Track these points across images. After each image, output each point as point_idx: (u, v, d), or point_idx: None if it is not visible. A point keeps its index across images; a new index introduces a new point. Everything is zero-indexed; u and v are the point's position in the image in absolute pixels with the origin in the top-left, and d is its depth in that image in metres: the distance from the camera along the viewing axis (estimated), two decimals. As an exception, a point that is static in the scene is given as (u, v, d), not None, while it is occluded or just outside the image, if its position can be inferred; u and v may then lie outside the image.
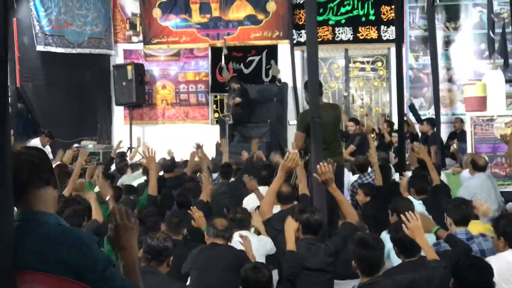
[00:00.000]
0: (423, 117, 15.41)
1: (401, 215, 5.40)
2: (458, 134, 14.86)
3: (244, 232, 7.23)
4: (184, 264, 6.47)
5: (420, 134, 14.81)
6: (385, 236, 6.23)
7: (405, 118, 12.79)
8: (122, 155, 15.15)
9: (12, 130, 11.69)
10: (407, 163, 11.69)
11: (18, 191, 3.03)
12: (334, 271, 6.13)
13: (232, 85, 16.31)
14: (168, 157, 13.15)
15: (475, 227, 6.98)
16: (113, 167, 13.58)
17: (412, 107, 15.72)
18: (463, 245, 6.01)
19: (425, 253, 5.20)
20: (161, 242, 5.36)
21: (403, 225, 5.32)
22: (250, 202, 9.33)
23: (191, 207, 7.56)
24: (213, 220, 6.74)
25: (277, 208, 7.78)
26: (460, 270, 4.71)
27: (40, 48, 17.34)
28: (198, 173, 12.11)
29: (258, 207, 8.47)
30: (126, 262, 3.13)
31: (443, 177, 10.91)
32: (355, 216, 6.34)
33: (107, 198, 9.06)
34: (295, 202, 7.76)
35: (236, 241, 6.83)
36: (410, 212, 5.41)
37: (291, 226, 5.94)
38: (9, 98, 2.95)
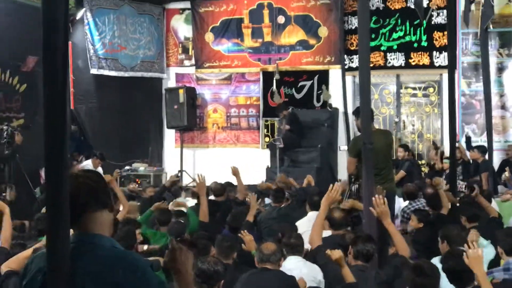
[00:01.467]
0: (474, 144, 15.27)
1: (465, 244, 5.33)
2: (511, 162, 14.69)
3: (296, 258, 7.21)
4: (235, 286, 6.48)
5: (471, 161, 14.67)
6: (436, 263, 6.19)
7: (457, 145, 12.68)
8: (174, 182, 15.24)
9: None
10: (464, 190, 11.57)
11: (75, 214, 3.08)
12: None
13: (282, 113, 16.35)
14: (217, 176, 13.18)
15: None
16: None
17: (468, 140, 15.55)
18: None
19: (481, 284, 5.13)
20: (212, 266, 5.37)
21: (464, 254, 5.26)
22: (301, 227, 9.32)
23: (242, 231, 7.58)
24: (261, 246, 6.74)
25: (328, 233, 7.80)
26: None
27: (94, 71, 17.54)
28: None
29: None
30: (180, 285, 3.16)
31: (493, 204, 10.79)
32: (407, 250, 6.35)
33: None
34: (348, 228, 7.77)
35: (286, 268, 6.81)
36: (473, 242, 5.33)
37: (338, 256, 5.93)
38: (68, 120, 3.00)
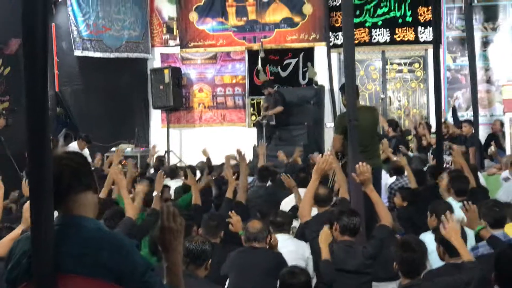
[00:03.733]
0: (461, 119, 15.30)
1: (441, 216, 5.37)
2: (497, 136, 14.72)
3: (283, 236, 7.23)
4: (223, 266, 6.50)
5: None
6: (424, 236, 6.22)
7: (442, 120, 12.68)
8: (161, 159, 15.26)
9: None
10: (450, 166, 11.60)
11: (58, 196, 3.07)
12: (372, 274, 6.14)
13: (268, 90, 16.31)
14: (203, 156, 13.18)
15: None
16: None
17: (454, 110, 15.60)
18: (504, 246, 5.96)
19: (461, 255, 5.17)
20: (199, 245, 5.37)
21: (440, 225, 5.30)
22: (287, 204, 9.33)
23: (230, 211, 7.58)
24: (247, 225, 6.75)
25: (314, 211, 7.80)
26: (503, 261, 4.66)
27: (78, 53, 17.45)
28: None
29: (293, 207, 8.52)
30: (169, 264, 3.15)
31: (481, 179, 10.82)
32: (389, 218, 6.38)
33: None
34: (332, 205, 7.78)
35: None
36: (448, 214, 5.38)
37: (325, 236, 5.97)
38: (48, 103, 2.99)
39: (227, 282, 6.46)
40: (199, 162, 11.97)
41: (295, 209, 8.25)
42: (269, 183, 10.86)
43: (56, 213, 3.10)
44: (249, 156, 15.51)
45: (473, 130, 13.79)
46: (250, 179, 11.65)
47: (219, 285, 5.94)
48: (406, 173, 10.64)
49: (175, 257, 3.16)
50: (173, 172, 12.74)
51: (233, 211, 7.56)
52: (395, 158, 11.89)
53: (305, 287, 5.39)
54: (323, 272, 5.74)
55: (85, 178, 3.19)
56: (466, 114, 15.96)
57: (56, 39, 17.33)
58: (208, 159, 13.29)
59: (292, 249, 7.00)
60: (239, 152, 10.75)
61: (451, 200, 8.09)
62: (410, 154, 13.39)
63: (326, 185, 8.66)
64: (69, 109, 17.70)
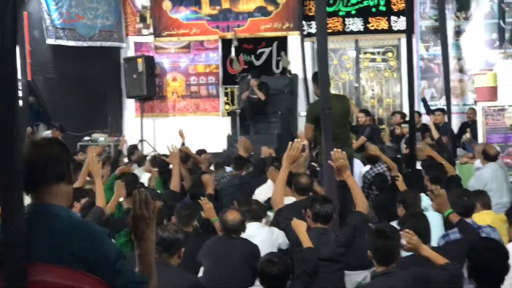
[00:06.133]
0: (433, 108, 15.36)
1: (402, 233, 5.30)
2: (471, 125, 14.79)
3: (256, 224, 7.25)
4: (199, 253, 6.51)
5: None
6: (397, 226, 6.25)
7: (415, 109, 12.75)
8: (135, 147, 15.24)
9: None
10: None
11: (31, 183, 3.06)
12: (345, 261, 6.17)
13: (251, 81, 16.04)
14: (180, 138, 13.15)
15: (486, 216, 7.00)
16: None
17: (424, 101, 15.66)
18: (473, 230, 6.01)
19: (435, 261, 5.15)
20: (172, 234, 5.37)
21: (402, 242, 5.25)
22: (262, 193, 9.36)
23: (201, 198, 7.59)
24: (225, 214, 6.74)
25: (292, 199, 7.85)
26: (475, 252, 4.70)
27: (50, 41, 17.32)
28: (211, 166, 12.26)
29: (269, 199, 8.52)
30: (142, 252, 3.15)
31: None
32: (365, 205, 6.40)
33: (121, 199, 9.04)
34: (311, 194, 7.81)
35: (247, 234, 6.83)
36: (406, 231, 5.30)
37: (301, 225, 5.97)
38: (20, 92, 2.97)
39: (201, 269, 6.47)
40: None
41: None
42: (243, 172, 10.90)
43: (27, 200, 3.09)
44: (222, 146, 15.54)
45: (446, 119, 13.86)
46: (228, 169, 11.70)
47: (192, 273, 5.94)
48: (382, 162, 10.70)
49: (147, 245, 3.17)
50: (141, 160, 12.80)
51: (204, 198, 7.58)
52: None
53: (284, 276, 5.40)
54: (307, 260, 5.71)
55: (61, 168, 3.17)
56: (439, 103, 16.02)
57: (29, 27, 17.17)
58: (184, 145, 13.20)
59: (264, 238, 7.02)
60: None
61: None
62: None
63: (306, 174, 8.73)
64: (42, 98, 17.58)
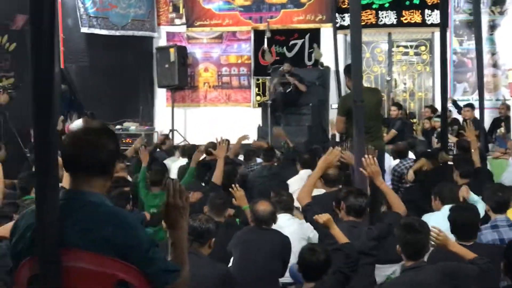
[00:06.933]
0: (464, 103, 15.26)
1: (431, 228, 5.28)
2: (503, 120, 14.69)
3: (286, 215, 7.24)
4: (230, 243, 6.51)
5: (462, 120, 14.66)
6: (428, 218, 6.22)
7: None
8: (166, 136, 15.32)
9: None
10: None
11: (71, 169, 3.09)
12: (377, 256, 6.15)
13: (287, 66, 16.01)
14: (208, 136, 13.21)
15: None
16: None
17: (455, 104, 15.52)
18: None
19: (464, 256, 5.13)
20: (203, 223, 5.38)
21: (431, 238, 5.23)
22: (293, 184, 9.36)
23: (233, 185, 7.59)
24: (255, 204, 6.73)
25: (322, 191, 7.84)
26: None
27: (84, 30, 17.41)
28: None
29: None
30: (175, 240, 3.16)
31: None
32: (402, 207, 6.36)
33: None
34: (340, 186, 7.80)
35: (278, 225, 6.83)
36: (437, 229, 5.28)
37: (328, 220, 5.89)
38: (54, 79, 2.95)
39: (232, 259, 6.48)
40: (209, 142, 11.91)
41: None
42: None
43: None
44: (253, 137, 15.54)
45: (475, 114, 13.78)
46: (258, 160, 11.71)
47: (222, 263, 5.95)
48: (409, 156, 10.67)
49: (180, 234, 3.18)
50: (170, 151, 12.87)
51: (236, 185, 7.58)
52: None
53: (325, 266, 5.37)
54: (349, 253, 5.66)
55: (104, 162, 3.16)
56: (471, 98, 15.92)
57: (62, 15, 17.26)
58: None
59: (294, 229, 7.02)
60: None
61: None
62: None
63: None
64: (74, 86, 17.67)
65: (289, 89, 15.72)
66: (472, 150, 9.67)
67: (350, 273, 5.49)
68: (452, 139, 12.27)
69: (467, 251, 5.14)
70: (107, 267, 2.96)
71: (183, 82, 18.25)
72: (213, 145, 11.04)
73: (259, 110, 17.16)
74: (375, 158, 6.37)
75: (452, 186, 7.49)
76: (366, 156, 6.43)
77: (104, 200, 3.15)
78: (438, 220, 6.39)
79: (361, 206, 6.22)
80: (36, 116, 2.95)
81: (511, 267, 4.63)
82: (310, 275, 5.39)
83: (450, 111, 14.66)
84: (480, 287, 5.02)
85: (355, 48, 7.47)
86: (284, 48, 17.87)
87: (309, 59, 17.69)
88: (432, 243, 5.21)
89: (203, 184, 9.78)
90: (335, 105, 15.09)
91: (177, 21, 18.94)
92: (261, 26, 17.95)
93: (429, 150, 11.74)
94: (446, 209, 6.44)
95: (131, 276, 2.99)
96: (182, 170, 10.79)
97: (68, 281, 2.94)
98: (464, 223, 5.59)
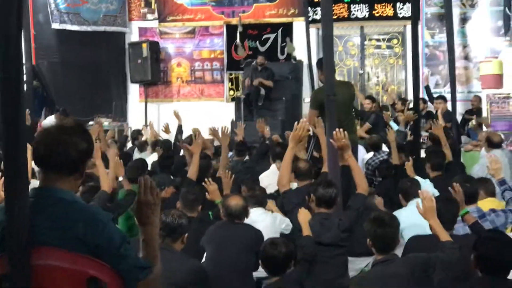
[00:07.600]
0: (436, 95, 15.32)
1: (420, 192, 5.37)
2: (475, 112, 14.77)
3: (259, 210, 7.23)
4: (202, 239, 6.50)
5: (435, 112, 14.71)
6: (398, 214, 6.24)
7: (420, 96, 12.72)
8: (139, 132, 15.25)
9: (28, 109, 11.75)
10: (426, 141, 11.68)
11: (43, 165, 3.07)
12: (348, 247, 6.17)
13: (260, 58, 16.04)
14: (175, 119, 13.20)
15: (490, 204, 6.97)
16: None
17: (427, 88, 15.60)
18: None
19: (438, 235, 5.17)
20: (176, 219, 5.36)
21: (417, 204, 5.30)
22: (265, 179, 9.34)
23: (206, 180, 7.55)
24: (227, 199, 6.71)
25: (294, 185, 7.82)
26: (482, 244, 4.69)
27: (55, 25, 17.35)
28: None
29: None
30: (146, 237, 3.16)
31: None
32: (365, 185, 6.42)
33: (120, 178, 8.99)
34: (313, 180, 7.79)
35: (251, 220, 6.82)
36: (425, 191, 5.36)
37: (304, 215, 5.98)
38: (25, 76, 2.93)
39: (205, 255, 6.47)
40: (187, 137, 11.86)
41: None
42: (246, 157, 10.90)
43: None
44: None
45: (449, 107, 13.83)
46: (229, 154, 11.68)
47: (195, 258, 5.94)
48: (384, 149, 10.69)
49: (152, 230, 3.17)
50: (142, 146, 12.82)
51: (209, 180, 7.55)
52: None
53: (287, 259, 5.39)
54: (304, 246, 5.74)
55: (75, 161, 3.14)
56: (443, 91, 15.98)
57: (33, 11, 17.17)
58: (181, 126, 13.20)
59: (267, 223, 7.01)
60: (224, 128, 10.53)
61: (419, 178, 8.11)
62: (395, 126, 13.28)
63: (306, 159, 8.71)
64: (46, 83, 17.58)
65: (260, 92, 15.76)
66: (443, 144, 9.72)
67: (310, 263, 5.58)
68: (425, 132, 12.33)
69: (443, 231, 5.16)
70: (78, 264, 2.95)
71: (156, 78, 18.24)
72: (189, 141, 10.99)
73: (232, 105, 17.14)
74: (346, 133, 6.39)
75: (411, 183, 7.52)
76: (337, 129, 6.44)
77: (74, 197, 3.14)
78: (407, 215, 6.43)
79: (331, 197, 6.21)
80: (4, 113, 2.91)
81: (480, 260, 4.65)
82: (274, 268, 5.42)
83: (424, 101, 14.71)
84: (449, 275, 5.03)
85: (327, 41, 7.47)
86: (257, 42, 17.88)
87: (282, 53, 17.73)
88: (418, 210, 5.30)
89: (172, 177, 9.71)
90: (308, 99, 15.09)
91: (149, 16, 18.89)
92: (234, 21, 17.95)
93: (404, 143, 11.75)
94: (412, 204, 6.45)
95: (102, 273, 2.98)
96: (154, 166, 10.74)
97: (38, 279, 2.92)
98: (442, 213, 5.59)
